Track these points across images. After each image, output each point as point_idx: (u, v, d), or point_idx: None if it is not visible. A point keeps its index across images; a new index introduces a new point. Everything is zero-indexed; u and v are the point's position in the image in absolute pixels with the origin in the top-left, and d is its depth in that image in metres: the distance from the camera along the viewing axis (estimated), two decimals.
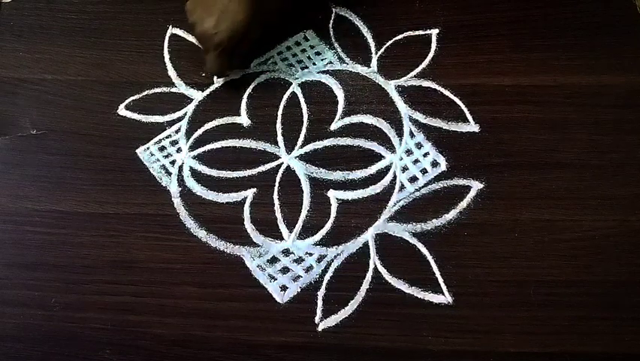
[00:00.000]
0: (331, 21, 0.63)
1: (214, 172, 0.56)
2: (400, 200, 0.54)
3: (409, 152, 0.56)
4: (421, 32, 0.62)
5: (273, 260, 0.51)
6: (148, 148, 0.57)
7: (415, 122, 0.57)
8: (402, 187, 0.54)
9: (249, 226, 0.53)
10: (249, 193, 0.54)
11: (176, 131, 0.58)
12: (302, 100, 0.59)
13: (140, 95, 0.60)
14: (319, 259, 0.51)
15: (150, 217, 0.54)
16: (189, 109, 0.59)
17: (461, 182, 0.54)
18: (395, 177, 0.55)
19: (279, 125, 0.58)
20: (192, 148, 0.57)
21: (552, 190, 0.53)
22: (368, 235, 0.52)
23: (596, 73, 0.58)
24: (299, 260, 0.51)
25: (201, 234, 0.53)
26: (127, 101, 0.60)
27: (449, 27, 0.62)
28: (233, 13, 0.54)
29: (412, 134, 0.57)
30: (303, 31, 0.63)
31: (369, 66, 0.61)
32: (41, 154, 0.57)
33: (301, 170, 0.55)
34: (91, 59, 0.62)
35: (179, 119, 0.59)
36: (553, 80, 0.58)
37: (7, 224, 0.54)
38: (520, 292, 0.49)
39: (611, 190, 0.53)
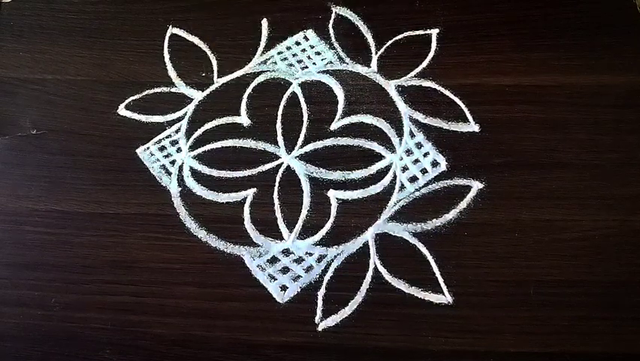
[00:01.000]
0: (331, 21, 0.63)
1: (214, 172, 0.56)
2: (400, 200, 0.54)
3: (409, 152, 0.56)
4: (421, 32, 0.62)
5: (273, 260, 0.51)
6: (148, 148, 0.57)
7: (415, 122, 0.57)
8: (402, 187, 0.54)
9: (249, 225, 0.53)
10: (249, 193, 0.54)
11: (176, 131, 0.58)
12: (302, 100, 0.59)
13: (140, 95, 0.60)
14: (319, 259, 0.51)
15: (150, 217, 0.54)
16: (189, 109, 0.59)
17: (461, 182, 0.54)
18: (395, 177, 0.55)
19: (279, 125, 0.58)
20: (192, 148, 0.57)
21: (552, 190, 0.53)
22: (368, 235, 0.52)
23: (596, 73, 0.58)
24: (299, 260, 0.51)
25: (201, 234, 0.53)
26: (127, 101, 0.60)
27: (449, 27, 0.62)
28: None
29: (412, 134, 0.57)
30: (303, 31, 0.63)
31: (369, 66, 0.61)
32: (41, 154, 0.57)
33: (301, 170, 0.55)
34: (91, 59, 0.62)
35: (179, 119, 0.59)
36: (553, 80, 0.58)
37: (7, 224, 0.54)
38: (520, 292, 0.49)
39: (611, 190, 0.53)
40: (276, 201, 0.54)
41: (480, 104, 0.57)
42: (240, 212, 0.54)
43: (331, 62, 0.61)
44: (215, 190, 0.55)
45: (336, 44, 0.62)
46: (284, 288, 0.50)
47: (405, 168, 0.55)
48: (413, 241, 0.51)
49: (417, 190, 0.54)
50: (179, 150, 0.57)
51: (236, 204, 0.54)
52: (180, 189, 0.55)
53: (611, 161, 0.54)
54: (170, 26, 0.64)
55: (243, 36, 0.63)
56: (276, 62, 0.62)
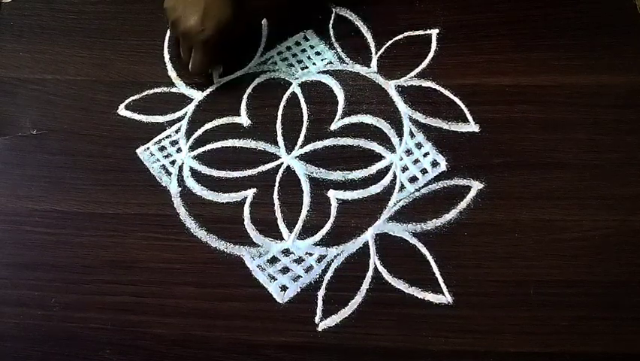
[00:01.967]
0: (331, 21, 0.63)
1: (214, 172, 0.56)
2: (400, 200, 0.54)
3: (409, 152, 0.56)
4: (421, 32, 0.62)
5: (273, 260, 0.51)
6: (148, 148, 0.57)
7: (415, 122, 0.57)
8: (402, 187, 0.54)
9: (249, 226, 0.53)
10: (249, 193, 0.54)
11: (176, 131, 0.58)
12: (302, 100, 0.59)
13: (140, 95, 0.60)
14: (319, 259, 0.51)
15: (150, 217, 0.54)
16: (189, 109, 0.59)
17: (461, 182, 0.54)
18: (395, 177, 0.55)
19: (279, 125, 0.58)
20: (192, 148, 0.57)
21: (552, 190, 0.53)
22: (368, 235, 0.52)
23: (596, 73, 0.58)
24: (299, 260, 0.51)
25: (201, 234, 0.53)
26: (127, 101, 0.59)
27: (449, 27, 0.62)
28: (218, 9, 0.54)
29: (412, 134, 0.57)
30: (303, 31, 0.63)
31: (369, 66, 0.61)
32: (41, 154, 0.57)
33: (301, 170, 0.55)
34: (91, 59, 0.62)
35: (179, 119, 0.59)
36: (553, 80, 0.58)
37: (7, 224, 0.54)
38: (520, 292, 0.49)
39: (611, 190, 0.53)
40: (276, 202, 0.54)
41: (480, 104, 0.57)
42: (239, 212, 0.54)
43: (331, 62, 0.61)
44: (215, 190, 0.55)
45: (336, 44, 0.62)
46: (284, 288, 0.50)
47: (405, 168, 0.55)
48: (413, 241, 0.51)
49: (417, 190, 0.54)
50: (179, 150, 0.57)
51: (236, 204, 0.54)
52: (180, 189, 0.55)
53: (611, 161, 0.54)
54: None
55: (243, 36, 0.62)
56: (276, 62, 0.62)
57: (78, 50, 0.63)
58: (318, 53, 0.62)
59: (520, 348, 0.47)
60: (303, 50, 0.62)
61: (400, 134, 0.57)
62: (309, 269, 0.51)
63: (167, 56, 0.62)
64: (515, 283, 0.49)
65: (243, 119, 0.58)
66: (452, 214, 0.52)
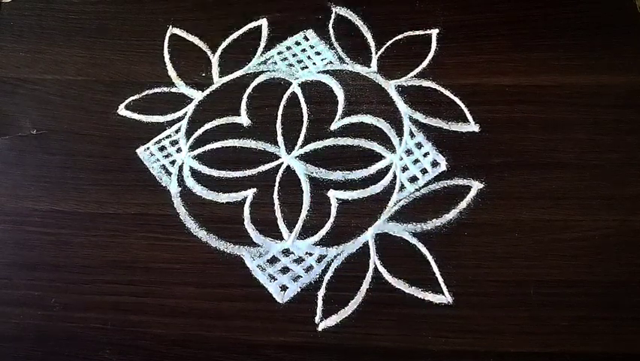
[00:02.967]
0: (331, 21, 0.63)
1: (214, 172, 0.56)
2: (400, 200, 0.54)
3: (409, 152, 0.56)
4: (421, 32, 0.62)
5: (273, 260, 0.51)
6: (148, 148, 0.57)
7: (415, 122, 0.57)
8: (402, 187, 0.54)
9: (249, 226, 0.53)
10: (249, 193, 0.54)
11: (176, 131, 0.58)
12: (302, 100, 0.59)
13: (140, 95, 0.60)
14: (319, 259, 0.51)
15: (150, 217, 0.54)
16: (189, 109, 0.59)
17: (461, 182, 0.54)
18: (395, 177, 0.55)
19: (279, 125, 0.58)
20: (192, 148, 0.57)
21: (552, 190, 0.53)
22: (368, 235, 0.52)
23: (596, 73, 0.58)
24: (299, 260, 0.51)
25: (201, 234, 0.53)
26: (127, 101, 0.60)
27: (449, 27, 0.62)
28: None
29: (412, 134, 0.57)
30: (303, 31, 0.63)
31: (369, 66, 0.61)
32: (41, 154, 0.57)
33: (301, 170, 0.55)
34: (91, 59, 0.62)
35: (179, 119, 0.59)
36: (553, 80, 0.58)
37: (7, 224, 0.54)
38: (520, 292, 0.49)
39: (611, 190, 0.53)
40: (276, 202, 0.54)
41: (480, 104, 0.57)
42: (239, 212, 0.54)
43: (331, 62, 0.61)
44: (215, 190, 0.55)
45: (336, 44, 0.62)
46: (284, 288, 0.50)
47: (405, 168, 0.55)
48: (413, 241, 0.51)
49: (417, 190, 0.54)
50: (179, 150, 0.57)
51: (237, 204, 0.54)
52: (180, 189, 0.55)
53: (611, 161, 0.54)
54: (170, 26, 0.64)
55: (243, 36, 0.63)
56: (276, 62, 0.62)
57: (78, 50, 0.63)
58: (318, 53, 0.62)
59: (520, 348, 0.47)
60: (303, 50, 0.62)
61: (400, 134, 0.57)
62: (309, 269, 0.51)
63: (167, 56, 0.62)
64: (515, 283, 0.49)
65: (243, 119, 0.58)
66: (452, 214, 0.52)
